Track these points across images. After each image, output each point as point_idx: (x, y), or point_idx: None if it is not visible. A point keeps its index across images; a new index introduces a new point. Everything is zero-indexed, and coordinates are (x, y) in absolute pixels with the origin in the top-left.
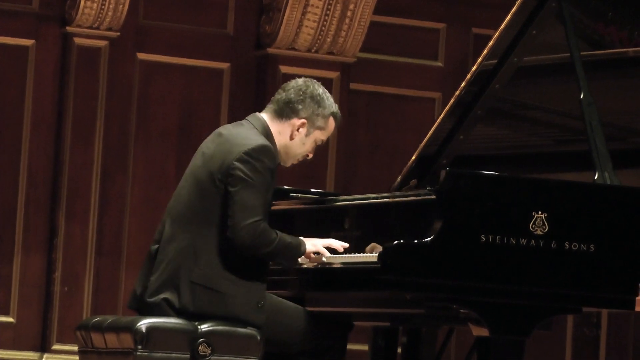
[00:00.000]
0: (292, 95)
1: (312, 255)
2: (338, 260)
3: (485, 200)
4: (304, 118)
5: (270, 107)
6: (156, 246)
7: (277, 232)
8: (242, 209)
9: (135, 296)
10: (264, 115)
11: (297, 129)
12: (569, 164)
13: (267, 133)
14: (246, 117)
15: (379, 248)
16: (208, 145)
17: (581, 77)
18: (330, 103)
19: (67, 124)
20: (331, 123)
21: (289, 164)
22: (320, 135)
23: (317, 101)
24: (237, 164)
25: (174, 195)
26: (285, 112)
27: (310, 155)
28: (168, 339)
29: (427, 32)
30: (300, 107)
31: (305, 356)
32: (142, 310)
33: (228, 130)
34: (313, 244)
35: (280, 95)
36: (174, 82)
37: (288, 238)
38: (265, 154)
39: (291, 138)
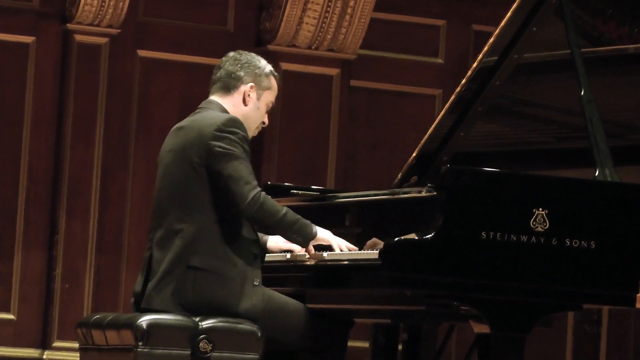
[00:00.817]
0: (230, 67)
1: (313, 251)
2: (338, 257)
3: (485, 197)
4: (250, 82)
5: (214, 87)
6: (149, 253)
7: (284, 206)
8: (237, 180)
9: (137, 303)
10: (213, 97)
11: (248, 95)
12: (569, 161)
13: (224, 111)
14: (198, 106)
15: (380, 243)
16: (171, 141)
17: (581, 74)
18: (265, 63)
19: (68, 121)
20: (274, 82)
21: (250, 135)
22: (269, 96)
23: (254, 64)
24: (214, 142)
25: (153, 201)
26: (230, 84)
27: (266, 121)
28: (169, 335)
29: (427, 29)
30: (242, 74)
31: (305, 353)
32: (144, 305)
33: (188, 121)
34: (326, 232)
35: (218, 72)
36: (175, 79)
37: (297, 215)
38: (235, 125)
39: (245, 105)
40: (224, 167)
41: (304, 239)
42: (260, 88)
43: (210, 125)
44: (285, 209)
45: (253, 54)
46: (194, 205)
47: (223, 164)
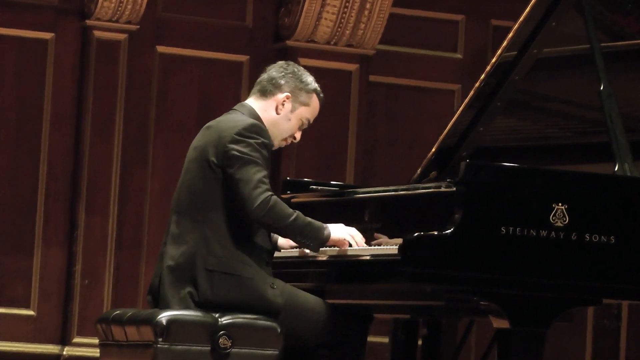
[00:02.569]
0: (274, 73)
1: (338, 239)
2: (358, 252)
3: (505, 192)
4: (287, 92)
5: (254, 89)
6: (165, 248)
7: (296, 211)
8: (246, 183)
9: (154, 290)
10: (249, 100)
11: (282, 103)
12: (588, 156)
13: (254, 116)
14: (232, 108)
15: (385, 239)
16: (198, 138)
17: (601, 68)
18: (312, 80)
19: (87, 117)
20: (315, 101)
21: (276, 145)
22: (305, 113)
23: (298, 77)
24: (231, 145)
25: (174, 196)
26: (268, 89)
27: (298, 137)
28: (188, 331)
29: (446, 24)
30: (282, 82)
31: (325, 348)
32: (163, 304)
33: (216, 121)
34: (340, 231)
35: (261, 76)
36: (193, 75)
37: (309, 219)
38: (256, 131)
39: (277, 113)
40: (237, 171)
41: (315, 243)
42: (296, 101)
43: (232, 128)
44: (295, 214)
45: (304, 69)
46: (210, 205)
47: (236, 167)
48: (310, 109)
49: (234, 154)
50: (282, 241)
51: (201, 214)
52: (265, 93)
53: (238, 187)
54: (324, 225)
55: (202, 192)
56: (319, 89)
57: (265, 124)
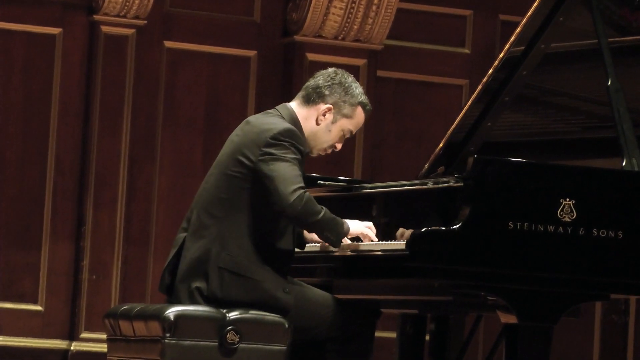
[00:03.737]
0: (321, 81)
1: (357, 233)
2: (366, 247)
3: (513, 187)
4: (330, 103)
5: (299, 94)
6: (184, 234)
7: (322, 206)
8: (283, 180)
9: (164, 282)
10: (293, 103)
11: (323, 115)
12: (596, 151)
13: (294, 121)
14: (275, 107)
15: (408, 232)
16: (237, 133)
17: (608, 63)
18: (359, 92)
19: (95, 113)
20: (359, 113)
21: (315, 154)
22: (347, 125)
23: (345, 88)
24: (266, 149)
25: (202, 183)
26: (312, 97)
27: (339, 147)
28: (196, 326)
29: (454, 19)
30: (327, 92)
31: (333, 343)
32: (171, 296)
33: (256, 118)
34: (356, 225)
35: (309, 82)
36: (201, 70)
37: (332, 214)
38: (292, 137)
39: (317, 123)
40: (271, 169)
41: (337, 237)
42: (339, 113)
43: (268, 130)
44: (324, 210)
45: (353, 79)
46: (234, 203)
47: (271, 166)
48: (353, 122)
49: (269, 157)
50: (307, 234)
51: (223, 211)
52: (308, 100)
53: (273, 183)
54: (344, 220)
55: (226, 189)
56: (365, 100)
57: (304, 132)
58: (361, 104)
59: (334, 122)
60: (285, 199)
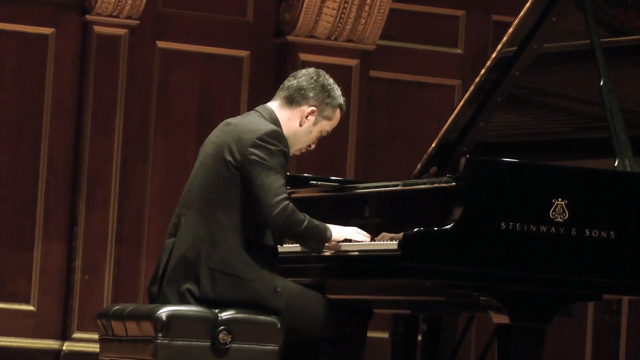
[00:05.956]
0: (304, 83)
1: (333, 242)
2: (358, 247)
3: (505, 187)
4: (313, 106)
5: (280, 94)
6: (172, 239)
7: (304, 214)
8: (267, 190)
9: (155, 283)
10: (273, 103)
11: (306, 117)
12: (589, 151)
13: (274, 122)
14: (254, 108)
15: (388, 236)
16: (217, 134)
17: (601, 64)
18: (339, 95)
19: (87, 113)
20: (337, 115)
21: (291, 153)
22: (326, 126)
23: (327, 91)
24: (252, 150)
25: (186, 187)
26: (295, 98)
27: (313, 146)
28: (188, 326)
29: (446, 19)
30: (311, 94)
31: (325, 343)
32: (157, 300)
33: (237, 119)
34: (339, 233)
35: (291, 82)
36: (194, 70)
37: (315, 221)
38: (277, 138)
39: (300, 125)
40: (257, 176)
41: (319, 245)
42: (320, 115)
43: (253, 131)
44: (307, 219)
45: (333, 81)
46: (220, 204)
47: (256, 173)
48: (331, 123)
49: (255, 159)
50: None
51: (210, 211)
52: (292, 102)
53: (258, 193)
54: (326, 225)
55: (214, 189)
56: (343, 103)
57: (285, 132)
58: (340, 106)
59: (315, 123)
60: (269, 211)
